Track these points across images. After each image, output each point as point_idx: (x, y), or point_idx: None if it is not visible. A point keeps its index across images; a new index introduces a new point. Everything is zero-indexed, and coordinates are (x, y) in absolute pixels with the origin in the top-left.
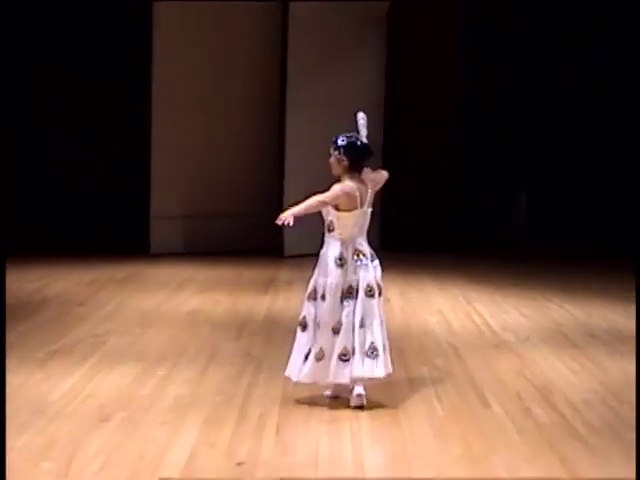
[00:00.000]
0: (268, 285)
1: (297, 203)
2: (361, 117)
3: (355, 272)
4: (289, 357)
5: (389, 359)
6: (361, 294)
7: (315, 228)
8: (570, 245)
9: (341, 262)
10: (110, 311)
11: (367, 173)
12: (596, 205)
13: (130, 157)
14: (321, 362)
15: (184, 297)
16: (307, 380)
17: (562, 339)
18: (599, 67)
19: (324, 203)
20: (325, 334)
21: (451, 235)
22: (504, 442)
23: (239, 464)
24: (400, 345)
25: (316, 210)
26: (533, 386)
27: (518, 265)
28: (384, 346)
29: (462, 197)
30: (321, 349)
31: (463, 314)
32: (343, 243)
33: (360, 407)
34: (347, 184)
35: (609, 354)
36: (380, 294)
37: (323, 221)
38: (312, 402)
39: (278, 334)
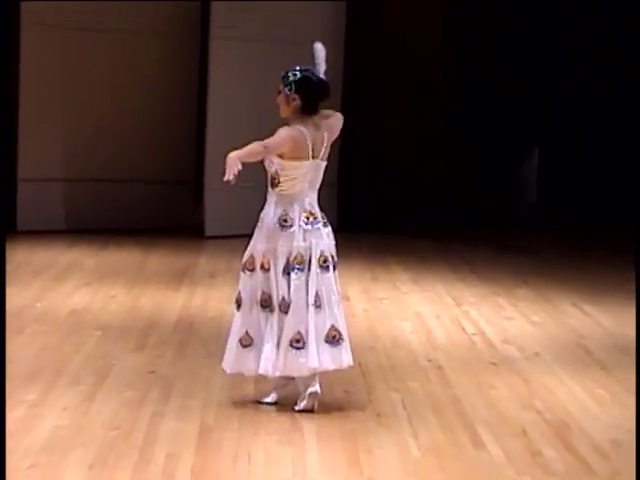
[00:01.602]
0: (182, 277)
1: (223, 167)
2: (319, 49)
3: (304, 238)
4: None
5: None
6: (314, 266)
7: (246, 202)
8: (593, 222)
9: (286, 224)
10: None
11: (321, 117)
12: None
13: None
14: (249, 348)
15: (65, 292)
16: (231, 369)
17: (584, 357)
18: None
19: (266, 149)
20: (262, 314)
21: (434, 212)
22: None
23: None
24: (363, 361)
25: (257, 158)
26: (544, 420)
27: (525, 255)
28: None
29: (451, 163)
30: (247, 332)
31: (450, 320)
32: (290, 201)
33: (311, 410)
34: (297, 128)
35: None
36: (335, 268)
37: (265, 174)
38: (241, 439)
39: (195, 345)
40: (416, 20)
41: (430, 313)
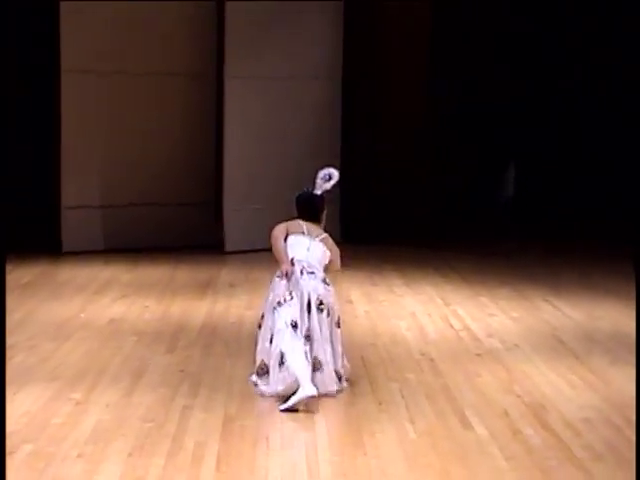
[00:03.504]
0: (206, 287)
1: (239, 189)
2: (320, 176)
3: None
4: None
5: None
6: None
7: (261, 221)
8: (564, 235)
9: None
10: (15, 322)
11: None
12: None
13: (35, 136)
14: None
15: (105, 303)
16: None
17: (557, 346)
18: (598, 66)
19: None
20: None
21: (424, 225)
22: (489, 470)
23: None
24: (365, 355)
25: (281, 247)
26: (523, 403)
27: (504, 259)
28: None
29: (436, 182)
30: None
31: (440, 318)
32: None
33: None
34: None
35: (613, 363)
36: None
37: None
38: (260, 427)
39: (218, 346)
40: (409, 23)
41: (422, 313)
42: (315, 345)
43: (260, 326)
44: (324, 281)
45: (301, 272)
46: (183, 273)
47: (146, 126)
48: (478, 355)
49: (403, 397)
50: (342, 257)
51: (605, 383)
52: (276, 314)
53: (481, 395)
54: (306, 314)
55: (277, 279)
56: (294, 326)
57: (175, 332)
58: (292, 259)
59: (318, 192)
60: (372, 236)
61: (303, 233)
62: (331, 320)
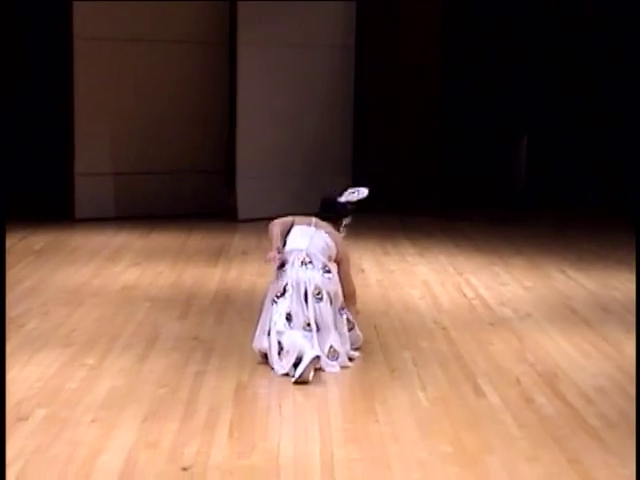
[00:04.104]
0: (219, 255)
1: (252, 157)
2: (350, 190)
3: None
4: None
5: None
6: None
7: (273, 188)
8: (578, 204)
9: None
10: (28, 288)
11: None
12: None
13: (49, 103)
14: None
15: (118, 270)
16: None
17: (571, 315)
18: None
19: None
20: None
21: (437, 192)
22: (501, 438)
23: (185, 469)
24: (378, 324)
25: (275, 234)
26: (536, 371)
27: (518, 227)
28: None
29: (448, 148)
30: None
31: (452, 287)
32: None
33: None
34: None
35: (626, 333)
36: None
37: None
38: (272, 394)
39: (231, 313)
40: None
41: (435, 282)
42: (324, 334)
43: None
44: (324, 269)
45: (301, 264)
46: (196, 240)
47: (159, 94)
48: (491, 324)
49: (416, 365)
50: (354, 227)
51: (619, 352)
52: (274, 307)
53: (494, 363)
54: (304, 305)
55: (277, 270)
56: (288, 318)
57: (188, 299)
58: (284, 251)
59: (341, 200)
60: (384, 205)
61: (309, 224)
62: (334, 307)
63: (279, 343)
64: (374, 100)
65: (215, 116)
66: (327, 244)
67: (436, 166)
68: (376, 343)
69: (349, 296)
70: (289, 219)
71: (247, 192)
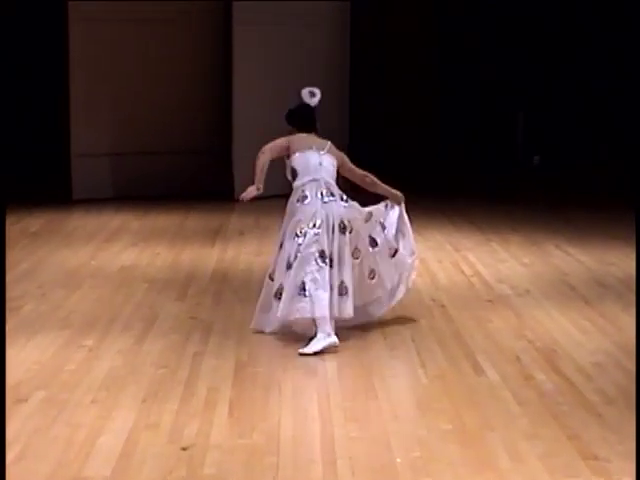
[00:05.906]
0: (216, 235)
1: (248, 137)
2: (304, 94)
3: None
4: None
5: None
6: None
7: (270, 168)
8: (576, 179)
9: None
10: (25, 270)
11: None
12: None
13: (44, 84)
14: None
15: (115, 251)
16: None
17: (569, 292)
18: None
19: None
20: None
21: (433, 169)
22: (501, 415)
23: (185, 449)
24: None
25: (262, 163)
26: (534, 348)
27: (515, 205)
28: None
29: (445, 123)
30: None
31: (450, 264)
32: None
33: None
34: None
35: (624, 308)
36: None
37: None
38: (271, 373)
39: (228, 293)
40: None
41: (433, 259)
42: (340, 268)
43: (272, 278)
44: (342, 199)
45: (322, 195)
46: (193, 221)
47: (155, 74)
48: (489, 301)
49: (414, 342)
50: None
51: (616, 328)
52: (300, 241)
53: (492, 340)
54: (329, 239)
55: (297, 204)
56: (322, 256)
57: (186, 279)
58: (304, 181)
59: (313, 104)
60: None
61: (311, 148)
62: (361, 239)
63: (303, 285)
64: (371, 71)
65: (212, 96)
66: (333, 165)
67: (435, 138)
68: (375, 321)
69: (372, 184)
70: (283, 143)
71: (244, 171)
